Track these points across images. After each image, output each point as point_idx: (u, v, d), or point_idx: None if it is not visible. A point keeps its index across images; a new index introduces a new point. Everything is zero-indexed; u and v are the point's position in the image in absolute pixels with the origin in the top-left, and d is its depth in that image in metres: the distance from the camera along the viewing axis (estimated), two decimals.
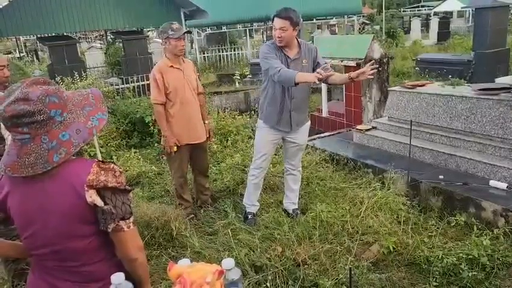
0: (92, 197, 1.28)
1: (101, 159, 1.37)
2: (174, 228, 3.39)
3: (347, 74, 3.29)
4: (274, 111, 3.45)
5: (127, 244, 1.37)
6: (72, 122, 1.30)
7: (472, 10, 18.23)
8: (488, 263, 2.80)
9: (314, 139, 5.58)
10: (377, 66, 3.18)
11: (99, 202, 1.29)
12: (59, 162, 1.27)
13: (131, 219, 1.37)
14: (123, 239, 1.36)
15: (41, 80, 1.30)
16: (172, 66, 3.60)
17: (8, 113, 1.24)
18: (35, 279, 1.44)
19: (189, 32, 3.73)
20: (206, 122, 3.92)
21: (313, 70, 3.44)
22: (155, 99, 3.60)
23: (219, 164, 5.02)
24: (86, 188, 1.28)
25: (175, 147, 3.67)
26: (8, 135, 2.36)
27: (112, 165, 1.35)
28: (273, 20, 3.29)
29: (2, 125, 2.11)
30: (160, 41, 3.78)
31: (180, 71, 3.63)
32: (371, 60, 3.35)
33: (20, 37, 15.29)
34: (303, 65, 3.37)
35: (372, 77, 3.22)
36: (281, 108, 3.42)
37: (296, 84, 3.07)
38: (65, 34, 11.12)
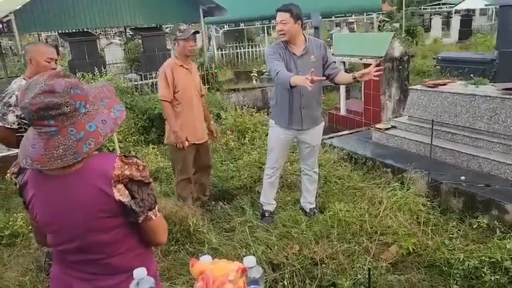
0: (120, 191, 1.30)
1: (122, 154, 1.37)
2: (192, 224, 3.40)
3: (351, 74, 3.24)
4: (284, 109, 3.42)
5: (157, 231, 1.44)
6: (96, 113, 1.30)
7: (496, 8, 17.80)
8: (511, 266, 2.73)
9: (332, 137, 5.54)
10: (383, 68, 3.10)
11: (127, 197, 1.31)
12: (89, 153, 1.27)
13: (157, 207, 1.41)
14: (153, 226, 1.41)
15: (61, 73, 1.30)
16: (182, 65, 3.62)
17: (35, 106, 1.22)
18: (60, 273, 1.45)
19: (197, 32, 3.66)
20: (211, 122, 4.04)
21: (324, 67, 3.39)
22: (164, 97, 3.61)
23: (236, 161, 5.02)
24: (113, 183, 1.29)
25: (187, 142, 3.67)
26: None
27: (135, 159, 1.35)
28: (276, 16, 3.27)
29: None
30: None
31: (189, 72, 3.67)
32: (391, 58, 3.30)
33: (42, 33, 15.56)
34: (312, 61, 3.31)
35: (378, 78, 3.16)
36: (291, 105, 3.38)
37: (292, 87, 3.03)
38: (85, 30, 11.28)
